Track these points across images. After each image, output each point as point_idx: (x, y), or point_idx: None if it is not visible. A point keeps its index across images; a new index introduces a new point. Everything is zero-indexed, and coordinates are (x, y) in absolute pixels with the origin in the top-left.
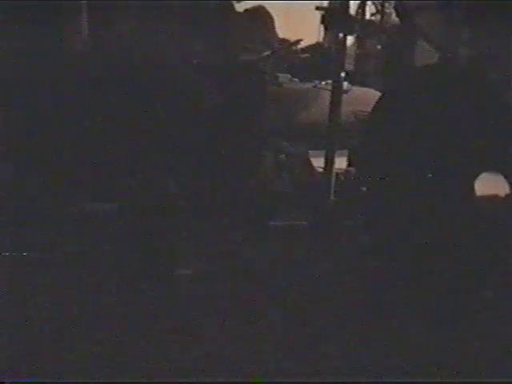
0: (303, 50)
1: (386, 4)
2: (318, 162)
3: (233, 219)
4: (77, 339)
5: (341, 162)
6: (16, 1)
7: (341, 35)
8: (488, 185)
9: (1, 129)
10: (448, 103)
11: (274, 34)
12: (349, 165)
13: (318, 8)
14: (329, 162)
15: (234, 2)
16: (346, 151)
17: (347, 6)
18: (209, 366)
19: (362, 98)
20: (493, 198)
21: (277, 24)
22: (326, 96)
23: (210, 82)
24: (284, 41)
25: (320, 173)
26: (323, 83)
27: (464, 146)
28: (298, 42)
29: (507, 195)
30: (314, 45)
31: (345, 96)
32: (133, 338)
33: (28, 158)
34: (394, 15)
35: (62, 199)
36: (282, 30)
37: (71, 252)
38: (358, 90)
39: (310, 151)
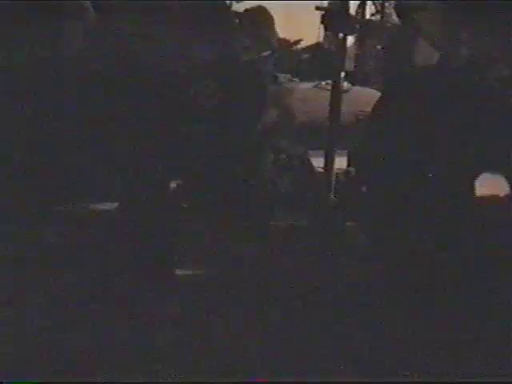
0: (303, 49)
1: (386, 4)
2: (318, 162)
3: (233, 219)
4: (76, 339)
5: (341, 162)
6: (16, 1)
7: (341, 35)
8: (488, 185)
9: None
10: (448, 103)
11: (274, 33)
12: (349, 165)
13: (318, 8)
14: (329, 162)
15: (234, 2)
16: (345, 151)
17: (347, 6)
18: (208, 366)
19: (362, 97)
20: (493, 198)
21: (277, 24)
22: (326, 96)
23: (209, 82)
24: (284, 41)
25: (320, 173)
26: (323, 83)
27: (464, 146)
28: (297, 41)
29: (507, 195)
30: (314, 45)
31: (345, 96)
32: (133, 337)
33: (27, 157)
34: (394, 15)
35: (62, 198)
36: (282, 30)
37: (71, 252)
38: (357, 90)
39: (310, 151)
